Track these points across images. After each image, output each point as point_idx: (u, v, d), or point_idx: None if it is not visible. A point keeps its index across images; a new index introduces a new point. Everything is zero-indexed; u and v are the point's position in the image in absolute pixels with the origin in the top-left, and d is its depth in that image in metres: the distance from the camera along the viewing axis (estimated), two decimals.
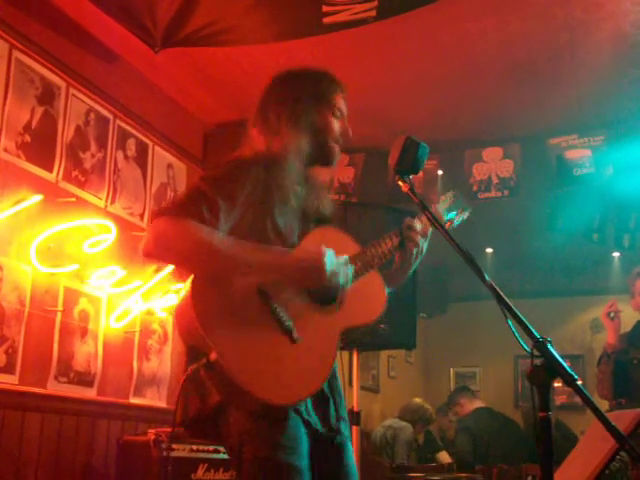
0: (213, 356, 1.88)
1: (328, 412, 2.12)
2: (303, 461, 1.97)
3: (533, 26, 4.37)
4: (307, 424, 2.02)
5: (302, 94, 2.23)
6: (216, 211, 1.98)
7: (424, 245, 2.32)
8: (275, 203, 2.09)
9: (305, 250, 2.04)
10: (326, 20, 3.79)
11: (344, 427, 2.17)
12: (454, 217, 2.48)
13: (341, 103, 2.27)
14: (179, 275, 2.13)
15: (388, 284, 2.32)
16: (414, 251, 2.30)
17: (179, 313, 1.99)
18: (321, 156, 2.25)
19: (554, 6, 4.17)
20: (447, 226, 2.43)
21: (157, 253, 2.01)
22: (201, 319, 1.90)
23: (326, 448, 2.10)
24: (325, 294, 2.07)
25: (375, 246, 2.23)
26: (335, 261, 2.01)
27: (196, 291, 1.94)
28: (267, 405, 1.91)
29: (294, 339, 1.97)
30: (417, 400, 7.25)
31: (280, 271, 2.00)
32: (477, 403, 6.82)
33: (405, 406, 7.16)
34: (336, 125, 2.25)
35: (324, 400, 2.12)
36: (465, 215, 2.53)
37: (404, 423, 6.88)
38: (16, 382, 3.60)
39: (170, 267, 4.26)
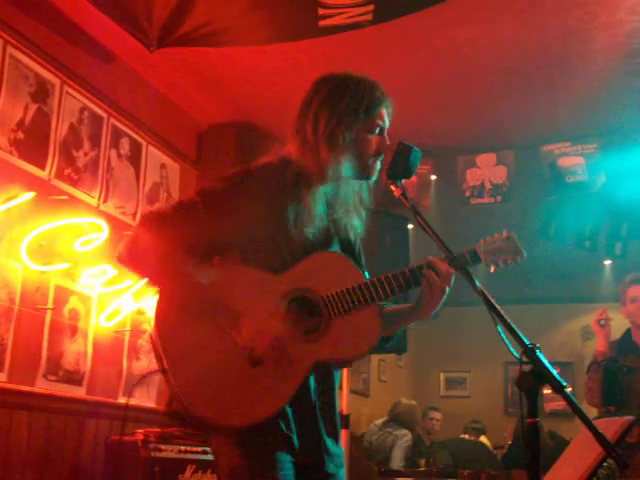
0: (165, 365, 1.90)
1: (314, 441, 2.03)
2: (281, 472, 1.91)
3: (527, 34, 4.39)
4: (287, 442, 1.95)
5: (342, 111, 2.10)
6: (201, 229, 1.97)
7: (444, 290, 2.11)
8: (289, 221, 2.03)
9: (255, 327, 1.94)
10: (322, 23, 3.80)
11: (330, 460, 2.06)
12: (499, 260, 2.19)
13: (382, 119, 2.15)
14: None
15: (395, 324, 2.22)
16: (430, 295, 2.11)
17: (152, 318, 2.00)
18: (358, 173, 2.14)
19: (548, 14, 4.19)
20: (492, 269, 2.20)
21: (127, 262, 2.02)
22: (160, 326, 1.92)
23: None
24: (305, 323, 2.02)
25: (382, 280, 2.08)
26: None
27: (163, 298, 1.95)
28: (209, 425, 1.89)
29: (255, 361, 1.92)
30: (406, 402, 7.17)
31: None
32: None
33: (400, 409, 7.02)
34: (373, 142, 2.13)
35: (310, 426, 2.03)
36: (517, 260, 2.22)
37: (404, 430, 6.85)
38: (4, 380, 3.58)
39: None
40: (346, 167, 2.09)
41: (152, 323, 1.95)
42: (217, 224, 1.99)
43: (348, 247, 2.24)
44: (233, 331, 1.93)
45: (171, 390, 1.92)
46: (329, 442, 2.06)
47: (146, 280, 2.09)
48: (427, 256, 2.15)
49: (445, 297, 2.14)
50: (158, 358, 1.95)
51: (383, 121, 2.16)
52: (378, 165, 2.16)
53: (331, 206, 2.16)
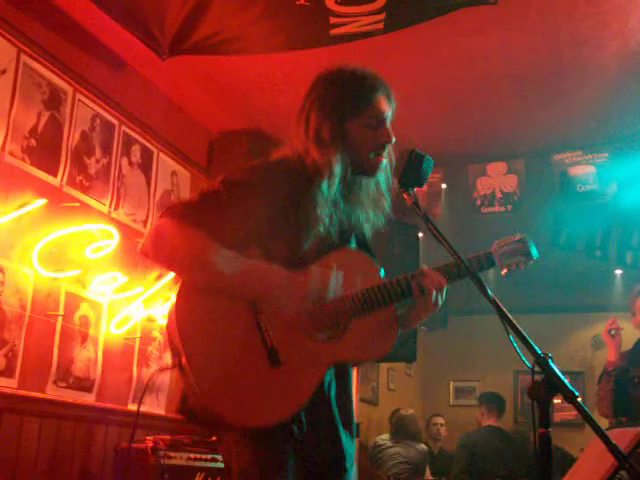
0: (183, 360, 1.88)
1: (332, 436, 2.03)
2: (291, 478, 1.91)
3: (538, 42, 4.38)
4: (299, 444, 1.95)
5: (329, 108, 2.11)
6: (226, 219, 1.95)
7: (436, 298, 2.12)
8: (302, 216, 2.02)
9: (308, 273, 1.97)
10: (333, 32, 3.80)
11: (346, 456, 2.06)
12: (512, 263, 2.22)
13: (378, 110, 2.13)
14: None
15: (402, 325, 2.20)
16: (423, 306, 2.13)
17: (168, 311, 1.99)
18: (361, 169, 2.14)
19: (559, 23, 4.18)
20: (503, 272, 2.22)
21: (153, 254, 1.98)
22: (180, 321, 1.90)
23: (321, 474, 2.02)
24: (326, 323, 2.01)
25: (398, 280, 2.10)
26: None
27: (183, 292, 1.94)
28: (225, 423, 1.88)
29: (274, 361, 1.92)
30: (406, 413, 7.15)
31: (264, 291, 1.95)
32: (491, 421, 6.73)
33: (407, 423, 7.02)
34: (370, 136, 2.12)
35: (327, 422, 2.03)
36: (528, 263, 2.24)
37: (423, 446, 6.87)
38: (15, 386, 3.59)
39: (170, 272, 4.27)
40: (341, 165, 2.07)
41: (170, 317, 1.93)
42: (240, 214, 1.98)
43: (364, 243, 2.24)
44: (261, 316, 1.92)
45: (187, 386, 1.92)
46: (345, 438, 2.06)
47: (169, 269, 2.06)
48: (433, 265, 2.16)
49: (436, 309, 2.15)
50: (175, 353, 1.94)
51: (380, 112, 2.13)
52: (383, 162, 2.15)
53: (345, 202, 2.15)
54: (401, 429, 6.96)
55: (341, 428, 2.05)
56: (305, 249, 2.03)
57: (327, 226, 2.06)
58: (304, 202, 2.03)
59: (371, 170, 2.15)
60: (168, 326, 1.96)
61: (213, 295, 1.95)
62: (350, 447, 2.08)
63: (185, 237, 1.92)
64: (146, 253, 1.99)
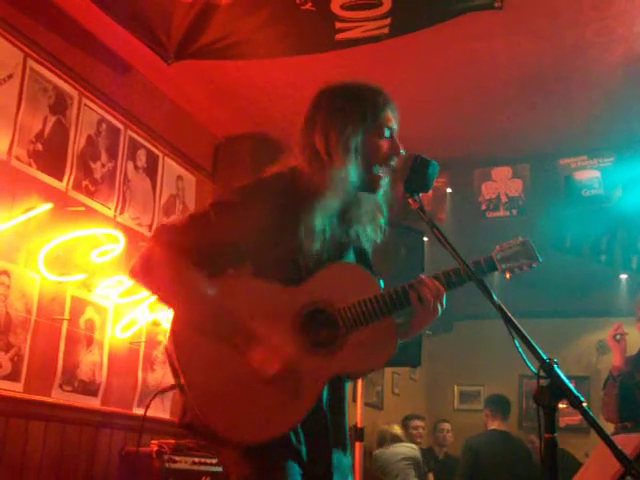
0: (182, 380, 1.90)
1: (323, 452, 2.02)
2: None
3: (543, 47, 4.39)
4: (296, 453, 1.95)
5: (349, 118, 2.08)
6: (214, 240, 1.97)
7: (435, 306, 2.09)
8: (301, 232, 2.00)
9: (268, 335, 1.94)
10: (339, 36, 3.81)
11: (338, 470, 2.04)
12: (515, 266, 2.16)
13: (388, 121, 2.12)
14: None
15: (402, 335, 2.17)
16: (422, 314, 2.10)
17: (167, 333, 2.01)
18: (365, 184, 2.12)
19: (565, 28, 4.18)
20: (508, 276, 2.17)
21: (140, 279, 2.02)
22: (177, 341, 1.92)
23: None
24: (321, 336, 2.00)
25: (395, 291, 2.07)
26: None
27: (176, 317, 1.97)
28: (224, 440, 1.89)
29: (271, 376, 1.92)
30: (389, 427, 7.23)
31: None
32: (496, 425, 6.68)
33: (392, 434, 7.10)
34: (383, 146, 2.11)
35: (320, 438, 2.02)
36: (532, 266, 2.18)
37: (412, 444, 6.95)
38: (21, 390, 3.60)
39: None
40: (355, 177, 2.06)
41: (168, 340, 1.96)
42: (230, 235, 1.99)
43: (364, 257, 2.23)
44: (247, 352, 1.92)
45: (187, 405, 1.93)
46: (336, 453, 2.05)
47: (157, 296, 2.07)
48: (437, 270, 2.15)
49: (436, 317, 2.12)
50: (175, 374, 1.95)
51: (392, 123, 2.13)
52: (384, 180, 2.14)
53: (345, 217, 2.14)
54: (384, 438, 7.06)
55: (331, 442, 2.04)
56: (300, 265, 2.02)
57: (321, 242, 2.04)
58: (298, 219, 2.02)
59: (372, 185, 2.13)
60: (167, 347, 1.98)
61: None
62: (342, 461, 2.07)
63: (169, 266, 1.96)
64: (136, 276, 2.02)
